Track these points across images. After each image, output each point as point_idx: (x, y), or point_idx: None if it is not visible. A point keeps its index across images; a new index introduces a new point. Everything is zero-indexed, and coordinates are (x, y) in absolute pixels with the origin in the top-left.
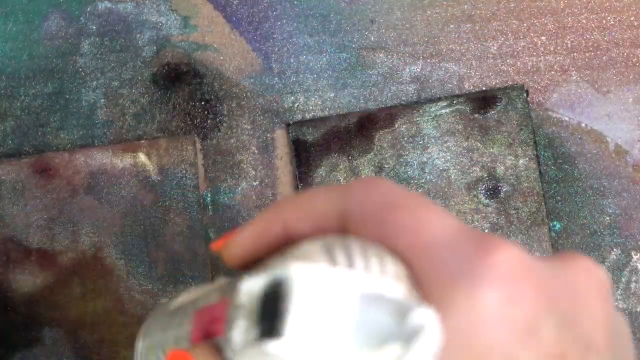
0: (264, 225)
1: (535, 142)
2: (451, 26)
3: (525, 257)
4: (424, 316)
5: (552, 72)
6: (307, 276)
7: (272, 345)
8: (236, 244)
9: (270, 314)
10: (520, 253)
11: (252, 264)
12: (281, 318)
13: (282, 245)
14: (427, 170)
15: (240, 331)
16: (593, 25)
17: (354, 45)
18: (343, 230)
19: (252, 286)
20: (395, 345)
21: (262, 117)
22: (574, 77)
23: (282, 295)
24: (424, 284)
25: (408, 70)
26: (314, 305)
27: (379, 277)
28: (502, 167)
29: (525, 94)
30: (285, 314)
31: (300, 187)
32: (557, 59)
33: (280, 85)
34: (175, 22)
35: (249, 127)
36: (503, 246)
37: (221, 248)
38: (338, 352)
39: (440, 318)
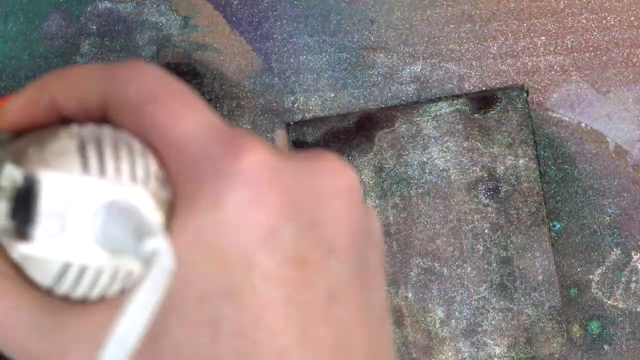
0: (31, 96)
1: (535, 142)
2: (451, 26)
3: (272, 161)
4: (157, 245)
5: (552, 72)
6: (57, 184)
7: (21, 247)
8: (8, 111)
9: (22, 212)
10: (268, 157)
11: (26, 132)
12: (30, 221)
13: (51, 120)
14: (427, 170)
15: (1, 213)
16: (593, 25)
17: (354, 45)
18: (104, 115)
19: (11, 174)
20: (133, 260)
21: (262, 117)
22: (574, 77)
23: (33, 197)
24: (175, 182)
25: (408, 70)
26: (61, 211)
27: (127, 186)
28: (502, 167)
29: (525, 94)
30: (34, 218)
31: None
32: (557, 59)
33: (280, 85)
34: (175, 22)
35: (249, 127)
36: (252, 149)
37: None
38: (83, 255)
39: (185, 218)
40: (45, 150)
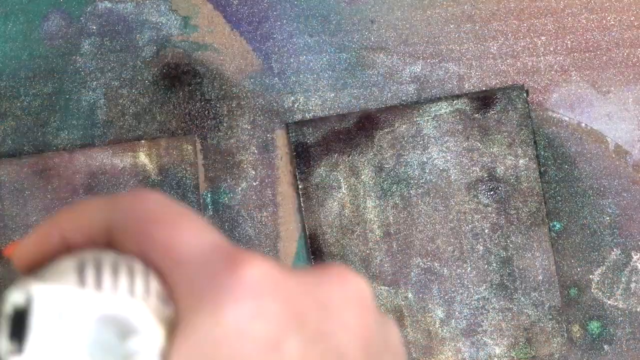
0: (42, 233)
1: (535, 142)
2: (451, 26)
3: (275, 272)
4: (142, 342)
5: (552, 72)
6: (49, 297)
7: None
8: (21, 251)
9: (18, 329)
10: (270, 268)
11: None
12: (23, 336)
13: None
14: (427, 170)
15: (3, 341)
16: (593, 25)
17: (354, 45)
18: (110, 243)
19: (13, 298)
20: None
21: (262, 117)
22: (574, 77)
23: (27, 313)
24: (177, 299)
25: (408, 70)
26: (53, 324)
27: (122, 298)
28: (502, 167)
29: (525, 94)
30: (26, 332)
31: (300, 187)
32: (557, 59)
33: (280, 85)
34: (175, 22)
35: (249, 127)
36: (252, 261)
37: (11, 254)
38: None
39: (186, 334)
40: (45, 271)
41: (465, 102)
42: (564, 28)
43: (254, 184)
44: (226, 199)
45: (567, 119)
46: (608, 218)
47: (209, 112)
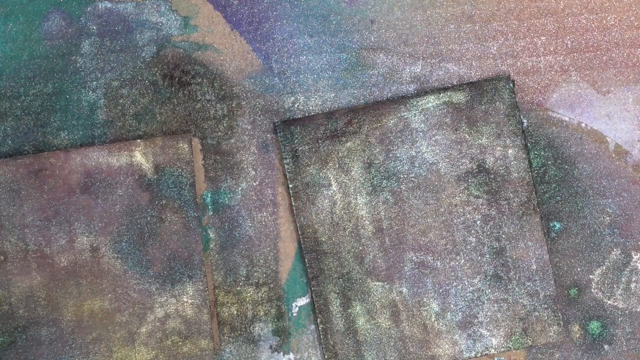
0: None
1: (523, 132)
2: (451, 26)
3: None
4: None
5: (552, 72)
6: None
7: None
8: None
9: None
10: None
11: None
12: None
13: None
14: (416, 165)
15: None
16: (593, 25)
17: (354, 46)
18: None
19: None
20: None
21: (262, 117)
22: (574, 77)
23: None
24: None
25: (408, 70)
26: None
27: None
28: (491, 158)
29: (511, 84)
30: None
31: (290, 186)
32: (557, 59)
33: (280, 85)
34: (175, 22)
35: (249, 127)
36: None
37: None
38: None
39: None
40: None
41: (452, 95)
42: (564, 28)
43: (254, 184)
44: (226, 199)
45: (567, 119)
46: (608, 218)
47: (209, 112)
